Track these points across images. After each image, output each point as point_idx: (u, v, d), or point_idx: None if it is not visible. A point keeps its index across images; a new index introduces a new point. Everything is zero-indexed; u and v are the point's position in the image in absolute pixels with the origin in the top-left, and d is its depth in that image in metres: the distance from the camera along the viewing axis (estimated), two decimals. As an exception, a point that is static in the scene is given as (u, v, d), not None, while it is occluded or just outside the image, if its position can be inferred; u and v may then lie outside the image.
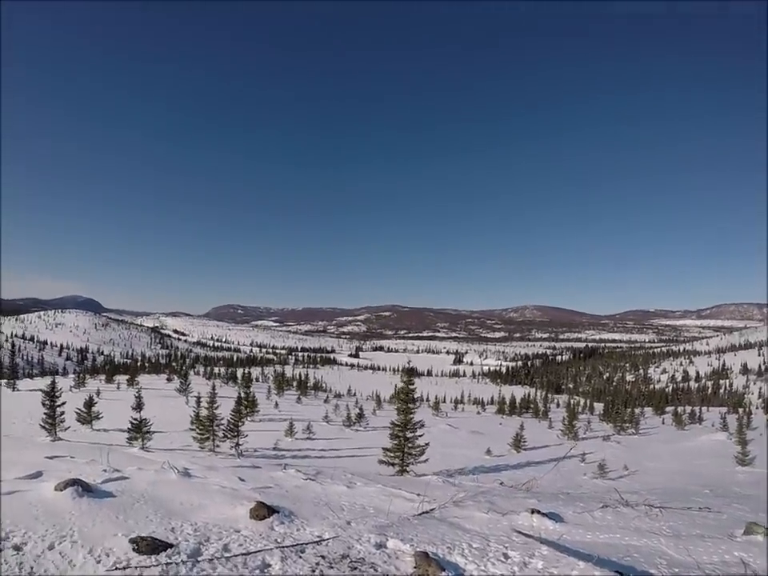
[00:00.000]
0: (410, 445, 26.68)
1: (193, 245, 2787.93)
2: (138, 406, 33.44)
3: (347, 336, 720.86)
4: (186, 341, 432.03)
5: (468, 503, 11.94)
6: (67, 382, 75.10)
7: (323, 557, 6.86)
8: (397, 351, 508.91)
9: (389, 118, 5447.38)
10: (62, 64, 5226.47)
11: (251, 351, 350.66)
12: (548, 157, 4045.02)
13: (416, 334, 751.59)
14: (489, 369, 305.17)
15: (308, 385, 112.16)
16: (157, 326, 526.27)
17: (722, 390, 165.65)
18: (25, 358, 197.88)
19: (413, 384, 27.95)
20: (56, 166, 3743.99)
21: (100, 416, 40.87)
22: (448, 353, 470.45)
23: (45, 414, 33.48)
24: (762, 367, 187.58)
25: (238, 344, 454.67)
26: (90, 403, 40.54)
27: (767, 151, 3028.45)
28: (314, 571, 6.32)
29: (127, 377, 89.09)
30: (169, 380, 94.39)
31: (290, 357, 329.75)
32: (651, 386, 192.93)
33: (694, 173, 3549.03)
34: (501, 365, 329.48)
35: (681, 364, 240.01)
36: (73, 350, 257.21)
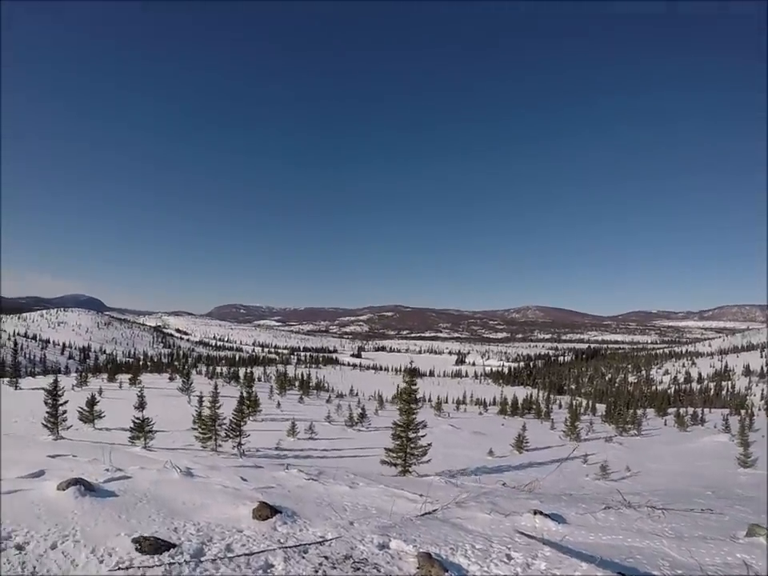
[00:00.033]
0: (412, 445, 26.65)
1: (196, 244, 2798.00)
2: (141, 405, 33.42)
3: (349, 336, 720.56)
4: (188, 340, 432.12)
5: (471, 504, 11.93)
6: (69, 381, 75.10)
7: (326, 557, 6.85)
8: (399, 351, 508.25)
9: (389, 118, 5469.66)
10: (63, 63, 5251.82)
11: (253, 351, 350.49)
12: (551, 157, 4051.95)
13: (418, 335, 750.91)
14: (491, 369, 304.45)
15: (310, 385, 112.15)
16: (159, 325, 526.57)
17: (724, 392, 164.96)
18: (27, 356, 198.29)
19: (415, 384, 27.94)
20: (58, 164, 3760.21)
21: (102, 415, 40.88)
22: (450, 353, 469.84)
23: (47, 412, 33.55)
24: (765, 369, 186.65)
25: (241, 343, 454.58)
26: (92, 402, 40.56)
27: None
28: (317, 572, 6.32)
29: (129, 376, 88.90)
30: (171, 379, 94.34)
31: (292, 356, 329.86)
32: (653, 388, 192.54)
33: (697, 173, 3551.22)
34: (503, 365, 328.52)
35: (683, 365, 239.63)
36: (75, 348, 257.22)
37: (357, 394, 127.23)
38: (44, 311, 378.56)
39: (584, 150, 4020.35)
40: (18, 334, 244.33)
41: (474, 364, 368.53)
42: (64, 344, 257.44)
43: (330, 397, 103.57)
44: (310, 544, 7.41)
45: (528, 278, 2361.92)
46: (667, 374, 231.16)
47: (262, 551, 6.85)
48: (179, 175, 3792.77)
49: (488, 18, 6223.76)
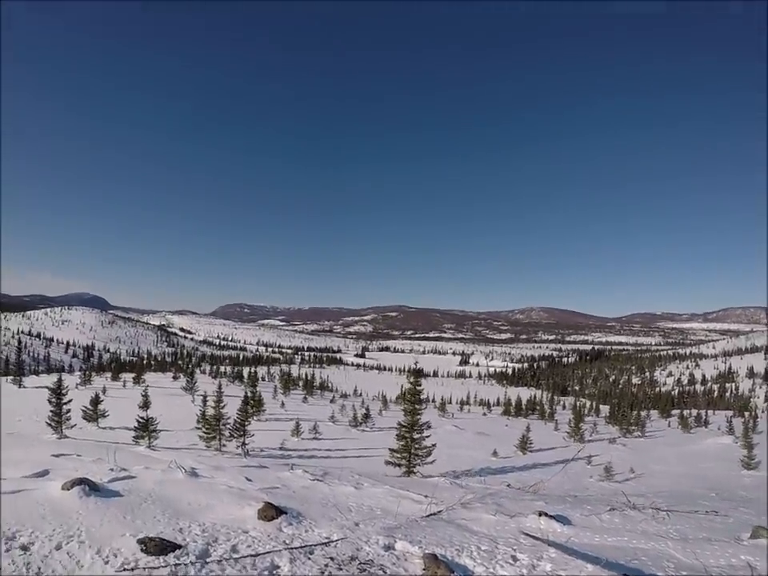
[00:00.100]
0: (416, 446, 26.65)
1: (200, 243, 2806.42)
2: (145, 405, 33.51)
3: (353, 336, 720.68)
4: (192, 339, 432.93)
5: (476, 505, 11.93)
6: (73, 380, 75.19)
7: (332, 558, 6.84)
8: (403, 352, 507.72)
9: (389, 118, 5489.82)
10: (63, 62, 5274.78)
11: (257, 350, 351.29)
12: (554, 158, 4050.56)
13: (422, 335, 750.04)
14: (495, 370, 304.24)
15: (314, 384, 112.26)
16: (163, 324, 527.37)
17: (728, 394, 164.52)
18: (31, 354, 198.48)
19: (420, 385, 27.93)
20: (60, 164, 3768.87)
21: (106, 414, 40.97)
22: (454, 354, 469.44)
23: (51, 411, 33.67)
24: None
25: (245, 343, 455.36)
26: (96, 401, 40.63)
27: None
28: (322, 573, 6.30)
29: (133, 375, 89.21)
30: (175, 378, 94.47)
31: (296, 356, 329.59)
32: (657, 389, 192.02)
33: (700, 174, 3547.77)
34: (507, 366, 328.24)
35: (687, 367, 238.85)
36: (79, 347, 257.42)
37: (361, 395, 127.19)
38: (48, 309, 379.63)
39: (587, 151, 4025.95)
40: (22, 332, 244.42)
41: (477, 365, 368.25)
42: (68, 342, 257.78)
43: (333, 397, 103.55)
44: (315, 545, 7.40)
45: (532, 279, 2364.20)
46: (671, 375, 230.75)
47: (268, 552, 6.83)
48: (180, 174, 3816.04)
49: (488, 18, 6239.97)
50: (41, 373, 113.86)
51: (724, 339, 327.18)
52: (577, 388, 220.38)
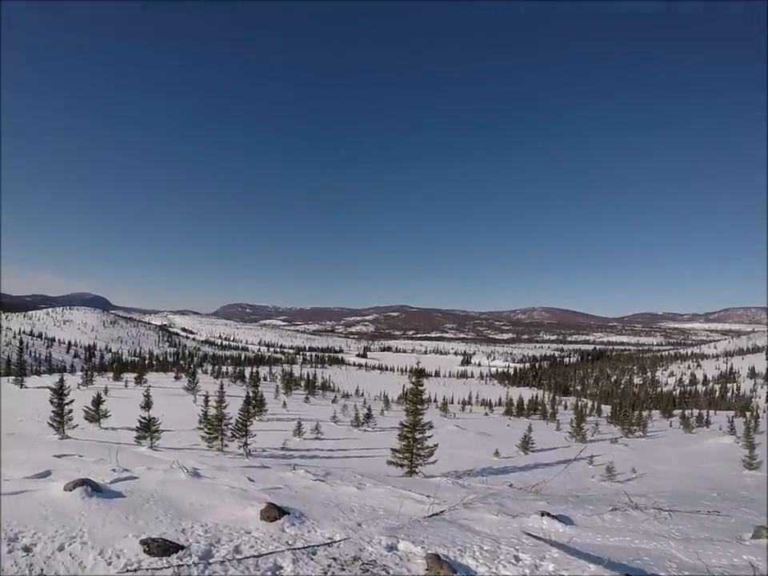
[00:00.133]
0: (418, 446, 26.63)
1: (201, 243, 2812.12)
2: (147, 405, 33.44)
3: (355, 336, 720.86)
4: (194, 339, 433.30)
5: (478, 505, 11.94)
6: (75, 380, 75.15)
7: (335, 559, 6.84)
8: (405, 352, 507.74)
9: (390, 118, 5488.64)
10: (63, 62, 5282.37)
11: (259, 350, 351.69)
12: (555, 159, 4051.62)
13: (424, 335, 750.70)
14: (496, 370, 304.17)
15: (316, 384, 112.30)
16: (165, 324, 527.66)
17: (729, 394, 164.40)
18: (32, 354, 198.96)
19: (422, 385, 27.90)
20: (60, 163, 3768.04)
21: (108, 414, 40.92)
22: (456, 354, 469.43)
23: (53, 411, 33.59)
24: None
25: (246, 343, 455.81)
26: (98, 401, 40.59)
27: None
28: (325, 573, 6.31)
29: (135, 375, 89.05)
30: (177, 378, 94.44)
31: (298, 356, 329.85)
32: (659, 389, 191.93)
33: (701, 174, 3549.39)
34: (508, 366, 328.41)
35: (688, 367, 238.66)
36: (81, 347, 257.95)
37: (362, 394, 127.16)
38: (49, 309, 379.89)
39: (587, 151, 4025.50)
40: (24, 332, 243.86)
41: (479, 365, 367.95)
42: (69, 342, 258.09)
43: (335, 397, 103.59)
44: (318, 545, 7.41)
45: (534, 279, 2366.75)
46: (672, 375, 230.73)
47: (271, 553, 6.84)
48: (181, 173, 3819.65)
49: (488, 18, 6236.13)
50: (42, 373, 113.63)
51: (725, 339, 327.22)
52: (578, 388, 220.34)
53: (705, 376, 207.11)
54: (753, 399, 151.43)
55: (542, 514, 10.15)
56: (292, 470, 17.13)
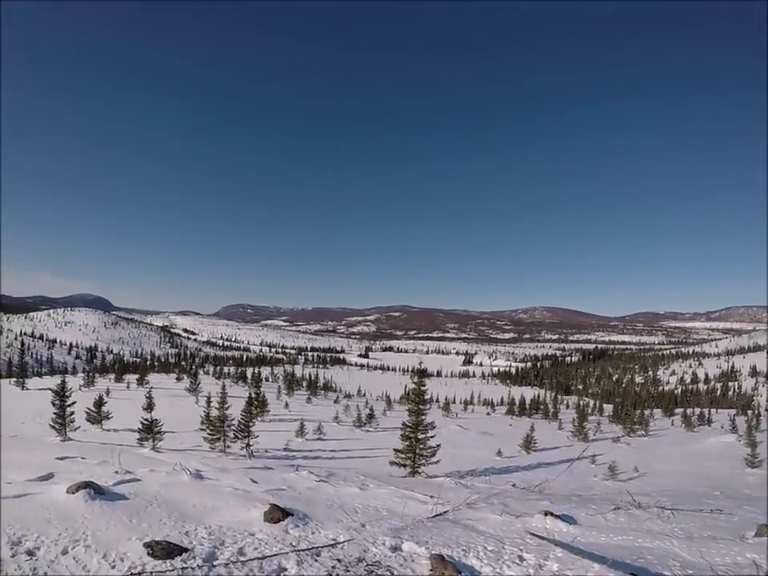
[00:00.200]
0: (421, 446, 26.66)
1: (201, 243, 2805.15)
2: (149, 406, 33.45)
3: (357, 336, 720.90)
4: (195, 340, 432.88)
5: (481, 505, 11.93)
6: (76, 381, 75.28)
7: (339, 560, 6.82)
8: (406, 352, 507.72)
9: (390, 118, 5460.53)
10: (63, 62, 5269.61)
11: (261, 351, 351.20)
12: (555, 158, 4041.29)
13: (426, 335, 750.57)
14: (498, 370, 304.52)
15: (318, 385, 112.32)
16: (166, 325, 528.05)
17: (730, 392, 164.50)
18: (34, 356, 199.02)
19: (424, 385, 27.93)
20: (60, 163, 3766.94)
21: (110, 416, 41.01)
22: (458, 353, 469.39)
23: (55, 413, 33.54)
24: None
25: (248, 343, 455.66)
26: (99, 403, 40.68)
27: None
28: (330, 575, 6.28)
29: (137, 376, 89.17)
30: (178, 379, 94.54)
31: (299, 356, 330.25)
32: (660, 388, 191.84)
33: (702, 174, 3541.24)
34: (510, 366, 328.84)
35: (690, 366, 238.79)
36: (82, 348, 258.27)
37: (365, 395, 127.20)
38: (51, 311, 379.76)
39: (587, 151, 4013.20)
40: (25, 334, 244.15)
41: (481, 364, 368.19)
42: (71, 344, 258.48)
43: (337, 397, 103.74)
44: (322, 547, 7.39)
45: (535, 278, 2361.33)
46: (674, 374, 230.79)
47: (275, 555, 6.82)
48: (181, 173, 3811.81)
49: (488, 18, 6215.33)
50: (44, 374, 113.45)
51: (726, 338, 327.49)
52: (580, 387, 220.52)
53: (706, 375, 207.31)
54: (754, 397, 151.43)
55: (546, 514, 10.14)
56: (295, 471, 17.10)
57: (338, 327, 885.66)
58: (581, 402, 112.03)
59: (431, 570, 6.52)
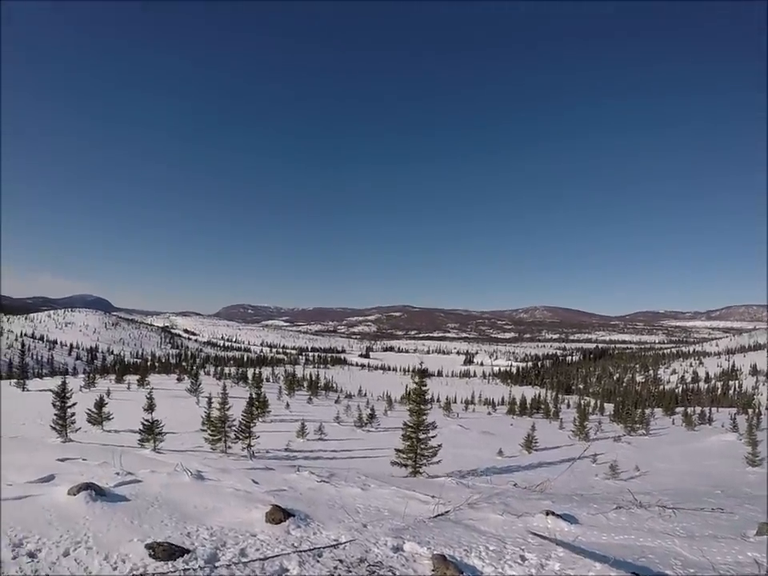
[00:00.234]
0: (422, 446, 26.68)
1: (202, 243, 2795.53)
2: (150, 407, 33.43)
3: (358, 336, 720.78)
4: (196, 340, 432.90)
5: (483, 505, 11.94)
6: (77, 382, 75.42)
7: (341, 561, 6.83)
8: (407, 351, 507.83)
9: (390, 118, 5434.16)
10: (63, 62, 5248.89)
11: (261, 351, 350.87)
12: (556, 158, 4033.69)
13: (426, 335, 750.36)
14: (499, 369, 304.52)
15: (319, 385, 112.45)
16: (167, 326, 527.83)
17: (731, 391, 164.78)
18: (34, 357, 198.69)
19: (425, 385, 27.96)
20: (60, 163, 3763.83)
21: (111, 417, 41.01)
22: (458, 353, 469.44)
23: (55, 414, 33.50)
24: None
25: (249, 344, 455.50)
26: (100, 404, 40.69)
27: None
28: (332, 575, 6.29)
29: (137, 377, 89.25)
30: (179, 380, 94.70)
31: (300, 357, 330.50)
32: (661, 387, 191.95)
33: (702, 174, 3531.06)
34: (511, 365, 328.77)
35: (690, 365, 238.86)
36: (83, 349, 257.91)
37: (365, 395, 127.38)
38: (51, 312, 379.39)
39: (587, 151, 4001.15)
40: (25, 335, 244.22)
41: (482, 364, 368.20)
42: (71, 345, 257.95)
43: (338, 397, 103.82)
44: (324, 547, 7.39)
45: (535, 278, 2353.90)
46: (675, 373, 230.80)
47: (277, 555, 6.82)
48: (181, 173, 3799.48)
49: (488, 18, 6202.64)
50: (44, 376, 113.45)
51: (727, 337, 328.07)
52: (581, 386, 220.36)
53: (707, 374, 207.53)
54: (755, 396, 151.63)
55: (547, 513, 10.15)
56: (296, 472, 17.10)
57: (339, 327, 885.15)
58: (582, 402, 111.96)
59: (433, 571, 6.53)
